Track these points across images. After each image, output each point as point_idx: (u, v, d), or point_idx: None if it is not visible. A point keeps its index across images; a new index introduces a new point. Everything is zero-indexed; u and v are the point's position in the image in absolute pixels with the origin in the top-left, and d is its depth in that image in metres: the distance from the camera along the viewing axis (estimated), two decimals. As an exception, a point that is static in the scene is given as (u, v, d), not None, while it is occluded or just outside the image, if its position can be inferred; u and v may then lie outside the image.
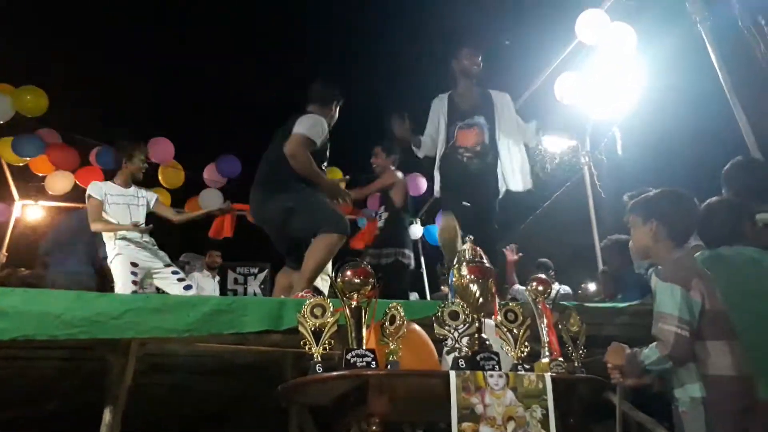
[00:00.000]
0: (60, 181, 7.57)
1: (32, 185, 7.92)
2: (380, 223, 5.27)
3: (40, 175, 7.61)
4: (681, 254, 2.17)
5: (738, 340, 2.00)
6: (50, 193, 7.68)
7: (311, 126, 3.85)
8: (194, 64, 8.45)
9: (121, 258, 4.33)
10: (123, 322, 2.48)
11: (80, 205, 7.73)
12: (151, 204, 4.76)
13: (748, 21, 4.16)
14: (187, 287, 4.38)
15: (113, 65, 8.25)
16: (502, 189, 4.43)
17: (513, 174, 4.39)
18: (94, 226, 4.43)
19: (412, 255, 5.28)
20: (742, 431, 1.88)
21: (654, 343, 2.03)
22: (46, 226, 7.57)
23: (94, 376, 2.91)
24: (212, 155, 8.37)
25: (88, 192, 4.53)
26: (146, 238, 4.49)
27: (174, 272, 4.44)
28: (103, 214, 4.45)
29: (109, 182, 4.66)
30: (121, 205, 4.55)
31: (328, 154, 4.15)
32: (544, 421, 1.97)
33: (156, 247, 4.53)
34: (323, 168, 4.10)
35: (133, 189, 4.70)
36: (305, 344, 2.08)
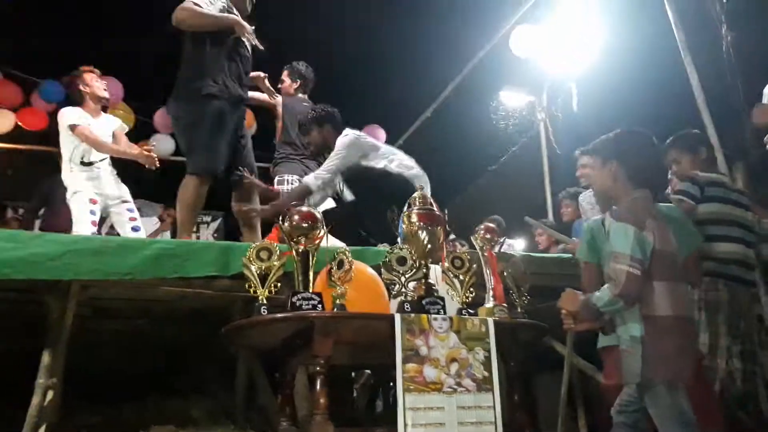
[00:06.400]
0: (0, 121, 7.16)
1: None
2: None
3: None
4: (638, 194, 2.16)
5: (681, 282, 2.04)
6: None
7: None
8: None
9: (79, 197, 3.93)
10: (61, 263, 2.41)
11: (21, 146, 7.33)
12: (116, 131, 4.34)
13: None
14: (136, 228, 4.05)
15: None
16: None
17: None
18: (105, 148, 4.01)
19: None
20: (675, 370, 1.95)
21: (606, 285, 2.03)
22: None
23: (34, 320, 2.83)
24: (163, 99, 8.00)
25: (68, 120, 4.02)
26: (110, 166, 4.16)
27: (129, 209, 4.08)
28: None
29: (80, 109, 4.16)
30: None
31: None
32: (486, 363, 2.02)
33: (118, 177, 4.19)
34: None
35: (103, 117, 4.29)
36: (250, 287, 2.07)
